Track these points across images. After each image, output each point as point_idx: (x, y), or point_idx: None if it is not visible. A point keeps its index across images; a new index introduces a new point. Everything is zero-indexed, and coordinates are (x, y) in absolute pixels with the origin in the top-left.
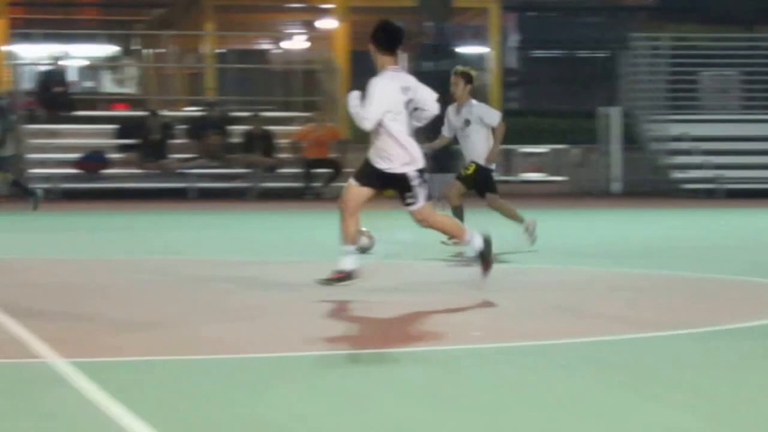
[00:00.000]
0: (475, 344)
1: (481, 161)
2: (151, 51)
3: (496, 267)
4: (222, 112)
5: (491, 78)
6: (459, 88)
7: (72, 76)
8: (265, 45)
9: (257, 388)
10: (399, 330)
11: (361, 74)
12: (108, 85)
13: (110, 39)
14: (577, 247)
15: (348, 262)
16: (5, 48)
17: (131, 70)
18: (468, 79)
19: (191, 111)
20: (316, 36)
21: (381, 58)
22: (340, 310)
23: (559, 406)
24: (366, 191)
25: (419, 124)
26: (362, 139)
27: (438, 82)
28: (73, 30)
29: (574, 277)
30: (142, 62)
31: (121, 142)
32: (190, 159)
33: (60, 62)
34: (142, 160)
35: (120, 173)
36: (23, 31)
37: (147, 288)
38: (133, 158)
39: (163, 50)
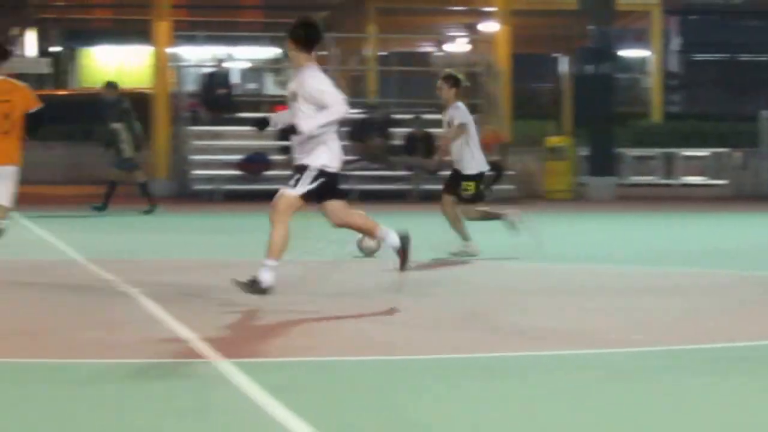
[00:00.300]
0: (637, 348)
1: (467, 171)
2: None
3: (639, 269)
4: (384, 115)
5: (653, 81)
6: (443, 91)
7: (235, 78)
8: (427, 48)
9: (415, 391)
10: (554, 332)
11: (522, 77)
12: (271, 87)
13: (273, 41)
14: (734, 251)
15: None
16: (169, 50)
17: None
18: (454, 82)
19: (353, 113)
20: (478, 39)
21: (298, 55)
22: (483, 313)
23: (717, 408)
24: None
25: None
26: (522, 142)
27: (599, 85)
28: (237, 32)
29: (727, 281)
30: None
31: (284, 144)
32: (352, 161)
33: (223, 64)
34: None
35: (282, 175)
36: (187, 34)
37: (310, 289)
38: None
39: (326, 52)
